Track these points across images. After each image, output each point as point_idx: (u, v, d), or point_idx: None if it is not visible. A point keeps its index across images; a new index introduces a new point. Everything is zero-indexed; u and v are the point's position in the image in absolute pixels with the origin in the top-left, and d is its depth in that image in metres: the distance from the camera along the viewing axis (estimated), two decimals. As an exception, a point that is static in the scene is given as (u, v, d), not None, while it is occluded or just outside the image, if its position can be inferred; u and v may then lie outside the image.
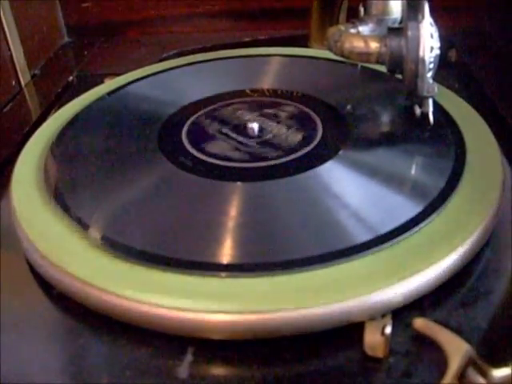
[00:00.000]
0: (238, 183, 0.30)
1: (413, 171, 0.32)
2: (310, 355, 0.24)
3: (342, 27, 0.36)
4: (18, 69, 0.49)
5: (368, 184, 0.31)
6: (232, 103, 0.39)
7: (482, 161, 0.32)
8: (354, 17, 0.38)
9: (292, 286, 0.24)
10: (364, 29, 0.36)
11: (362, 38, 0.34)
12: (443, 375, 0.21)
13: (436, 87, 0.32)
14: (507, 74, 0.44)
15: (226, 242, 0.27)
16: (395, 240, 0.26)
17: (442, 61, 0.33)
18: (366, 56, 0.34)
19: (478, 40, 0.51)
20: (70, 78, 0.51)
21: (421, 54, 0.31)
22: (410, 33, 0.31)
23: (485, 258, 0.28)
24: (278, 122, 0.36)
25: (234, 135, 0.35)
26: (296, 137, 0.34)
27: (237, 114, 0.37)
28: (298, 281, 0.25)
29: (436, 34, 0.32)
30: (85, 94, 0.42)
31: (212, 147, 0.34)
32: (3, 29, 0.48)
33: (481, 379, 0.21)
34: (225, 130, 0.35)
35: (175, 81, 0.43)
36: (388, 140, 0.35)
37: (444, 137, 0.34)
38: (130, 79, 0.43)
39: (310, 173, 0.31)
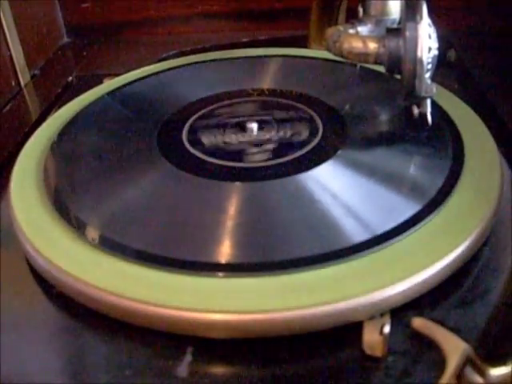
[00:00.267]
0: (237, 183, 0.31)
1: (411, 171, 0.32)
2: (308, 354, 0.24)
3: (341, 28, 0.36)
4: (17, 69, 0.50)
5: (367, 184, 0.31)
6: (231, 103, 0.39)
7: (481, 161, 0.32)
8: (352, 17, 0.38)
9: (291, 286, 0.25)
10: (363, 29, 0.36)
11: (361, 38, 0.34)
12: (441, 374, 0.22)
13: (434, 87, 0.32)
14: (506, 74, 0.44)
15: (225, 242, 0.27)
16: (394, 240, 0.26)
17: (441, 61, 0.33)
18: (364, 56, 0.34)
19: (477, 40, 0.51)
20: (70, 78, 0.51)
21: (419, 54, 0.31)
22: (408, 33, 0.31)
23: (483, 257, 0.28)
24: (277, 122, 0.36)
25: (233, 135, 0.35)
26: (295, 137, 0.34)
27: (236, 114, 0.37)
28: (297, 280, 0.25)
29: (434, 35, 0.32)
30: (84, 94, 0.42)
31: (211, 147, 0.34)
32: (3, 29, 0.48)
33: (479, 378, 0.21)
34: (224, 130, 0.35)
35: (174, 81, 0.43)
36: (387, 140, 0.35)
37: (442, 137, 0.34)
38: (130, 79, 0.43)
39: (309, 173, 0.31)
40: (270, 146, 0.34)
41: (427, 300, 0.25)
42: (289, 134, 0.35)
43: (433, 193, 0.29)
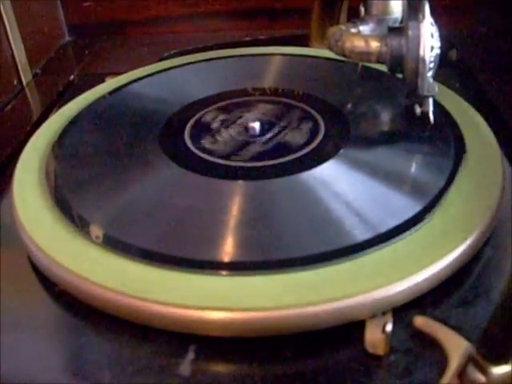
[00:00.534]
0: (240, 182, 0.31)
1: (413, 170, 0.32)
2: (311, 353, 0.24)
3: (343, 27, 0.36)
4: (19, 68, 0.50)
5: (369, 183, 0.31)
6: (233, 102, 0.39)
7: (482, 160, 0.32)
8: (354, 16, 0.38)
9: (293, 284, 0.25)
10: (365, 28, 0.36)
11: (363, 37, 0.34)
12: (443, 373, 0.22)
13: (436, 87, 0.32)
14: (507, 73, 0.44)
15: (228, 241, 0.27)
16: (396, 238, 0.26)
17: (443, 60, 0.33)
18: (366, 55, 0.34)
19: (479, 40, 0.51)
20: (71, 77, 0.51)
21: (421, 53, 0.31)
22: (410, 32, 0.31)
23: (485, 256, 0.28)
24: (279, 121, 0.36)
25: (235, 134, 0.35)
26: (297, 136, 0.34)
27: (238, 113, 0.37)
28: (299, 279, 0.25)
29: (436, 34, 0.32)
30: (86, 93, 0.42)
31: (213, 146, 0.34)
32: (5, 28, 0.48)
33: (481, 377, 0.21)
34: (226, 129, 0.35)
35: (176, 80, 0.43)
36: (388, 139, 0.35)
37: (444, 136, 0.34)
38: (131, 78, 0.43)
39: (311, 172, 0.31)
40: (272, 145, 0.34)
41: (429, 299, 0.25)
42: (291, 132, 0.35)
43: (435, 192, 0.29)
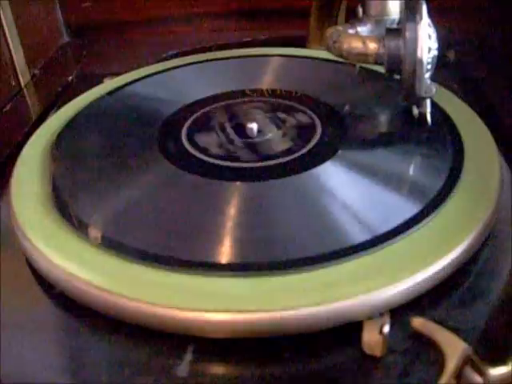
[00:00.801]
0: (238, 183, 0.31)
1: (411, 171, 0.32)
2: (308, 354, 0.24)
3: (341, 28, 0.36)
4: (17, 69, 0.50)
5: (366, 184, 0.31)
6: (231, 103, 0.39)
7: (480, 161, 0.32)
8: (352, 17, 0.38)
9: (291, 286, 0.25)
10: (362, 29, 0.36)
11: (361, 38, 0.34)
12: (441, 374, 0.22)
13: (434, 88, 0.32)
14: (505, 74, 0.44)
15: (226, 242, 0.27)
16: (393, 240, 0.26)
17: (441, 61, 0.33)
18: (364, 57, 0.34)
19: (477, 41, 0.51)
20: (70, 77, 0.51)
21: (419, 54, 0.31)
22: (408, 34, 0.31)
23: (483, 257, 0.28)
24: (277, 122, 0.36)
25: (233, 135, 0.35)
26: (295, 137, 0.34)
27: (236, 114, 0.37)
28: (297, 280, 0.25)
29: (434, 35, 0.32)
30: (84, 94, 0.42)
31: (211, 147, 0.34)
32: (3, 29, 0.48)
33: (478, 378, 0.21)
34: (224, 130, 0.35)
35: (175, 81, 0.43)
36: (386, 140, 0.35)
37: (442, 137, 0.34)
38: (130, 79, 0.43)
39: (309, 173, 0.31)
40: (270, 146, 0.34)
41: (427, 300, 0.25)
42: (288, 134, 0.35)
43: (432, 193, 0.29)
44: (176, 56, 0.50)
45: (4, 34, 0.48)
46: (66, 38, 0.60)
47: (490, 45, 0.50)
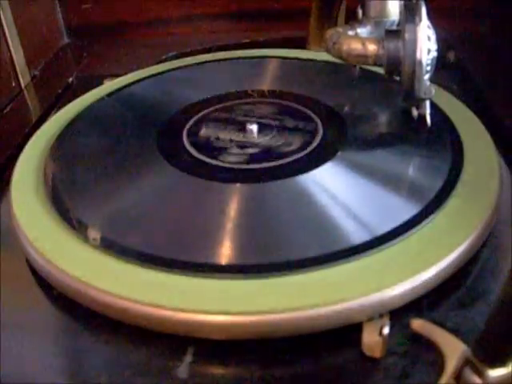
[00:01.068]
0: (238, 185, 0.31)
1: (410, 173, 0.32)
2: (308, 355, 0.24)
3: (340, 29, 0.36)
4: (17, 70, 0.50)
5: (366, 185, 0.31)
6: (231, 105, 0.39)
7: (480, 162, 0.32)
8: (352, 19, 0.38)
9: (291, 287, 0.25)
10: (362, 31, 0.36)
11: (360, 40, 0.34)
12: (440, 375, 0.22)
13: (433, 89, 0.33)
14: (505, 75, 0.44)
15: (225, 243, 0.27)
16: (393, 241, 0.26)
17: (441, 63, 0.33)
18: (363, 58, 0.34)
19: (477, 42, 0.51)
20: (70, 79, 0.51)
21: (418, 56, 0.31)
22: (407, 35, 0.31)
23: (482, 258, 0.28)
24: (278, 124, 0.36)
25: (233, 137, 0.35)
26: (295, 138, 0.34)
27: (236, 115, 0.37)
28: (297, 282, 0.25)
29: (433, 37, 0.32)
30: (84, 96, 0.42)
31: (211, 148, 0.34)
32: (3, 30, 0.48)
33: (477, 379, 0.21)
34: (224, 132, 0.35)
35: (175, 82, 0.43)
36: (386, 142, 0.35)
37: (442, 138, 0.34)
38: (130, 81, 0.43)
39: (309, 174, 0.31)
40: (270, 148, 0.34)
41: (426, 301, 0.26)
42: (289, 135, 0.35)
43: (432, 194, 0.29)
44: (176, 57, 0.50)
45: (4, 35, 0.48)
46: (66, 40, 0.60)
47: (490, 46, 0.50)
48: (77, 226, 0.28)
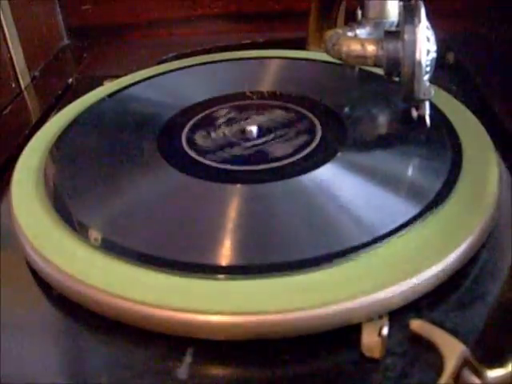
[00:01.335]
0: (238, 185, 0.31)
1: (410, 173, 0.32)
2: (307, 356, 0.24)
3: (340, 30, 0.36)
4: (17, 71, 0.50)
5: (365, 186, 0.31)
6: (231, 105, 0.39)
7: (479, 163, 0.32)
8: (351, 20, 0.38)
9: (290, 288, 0.25)
10: (361, 32, 0.36)
11: (360, 41, 0.34)
12: (439, 376, 0.22)
13: (432, 90, 0.33)
14: (505, 76, 0.44)
15: (226, 244, 0.27)
16: (392, 242, 0.26)
17: (440, 63, 0.34)
18: (363, 59, 0.34)
19: (476, 43, 0.51)
20: (70, 80, 0.51)
21: (417, 57, 0.31)
22: (406, 36, 0.31)
23: (481, 259, 0.28)
24: (277, 124, 0.36)
25: (233, 137, 0.35)
26: (294, 139, 0.34)
27: (236, 116, 0.37)
28: (296, 282, 0.25)
29: (432, 38, 0.32)
30: (84, 97, 0.42)
31: (211, 150, 0.34)
32: (3, 31, 0.48)
33: (476, 380, 0.21)
34: (224, 133, 0.36)
35: (175, 83, 0.43)
36: (385, 142, 0.35)
37: (441, 139, 0.34)
38: (130, 81, 0.43)
39: (309, 175, 0.31)
40: (270, 149, 0.34)
41: (425, 302, 0.26)
42: (288, 136, 0.35)
43: (431, 195, 0.29)
44: (176, 58, 0.50)
45: (4, 37, 0.49)
46: (66, 41, 0.61)
47: (490, 46, 0.50)
48: (77, 227, 0.29)
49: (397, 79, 0.34)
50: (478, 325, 0.25)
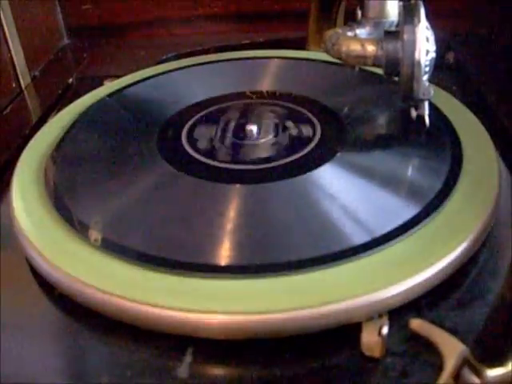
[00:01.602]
0: (237, 185, 0.31)
1: (409, 173, 0.33)
2: (307, 355, 0.24)
3: (339, 30, 0.36)
4: (18, 71, 0.50)
5: (365, 186, 0.31)
6: (231, 105, 0.39)
7: (479, 163, 0.32)
8: (351, 19, 0.38)
9: (290, 287, 0.25)
10: (361, 32, 0.36)
11: (359, 41, 0.34)
12: (439, 375, 0.22)
13: (432, 90, 0.33)
14: (504, 76, 0.44)
15: (225, 244, 0.27)
16: (392, 241, 0.26)
17: (440, 63, 0.34)
18: (362, 59, 0.34)
19: (476, 43, 0.51)
20: (70, 80, 0.51)
21: (416, 57, 0.31)
22: (405, 36, 0.31)
23: (481, 259, 0.28)
24: (277, 124, 0.36)
25: (232, 137, 0.35)
26: (294, 139, 0.34)
27: (235, 116, 0.38)
28: (296, 282, 0.25)
29: (432, 38, 0.32)
30: (84, 96, 0.42)
31: (211, 149, 0.34)
32: (3, 31, 0.48)
33: (476, 379, 0.21)
34: (223, 132, 0.36)
35: (174, 83, 0.43)
36: (385, 142, 0.35)
37: (441, 139, 0.34)
38: (130, 81, 0.43)
39: (308, 175, 0.31)
40: (269, 148, 0.34)
41: (425, 301, 0.26)
42: (288, 136, 0.35)
43: (431, 195, 0.29)
44: (175, 58, 0.50)
45: (4, 36, 0.49)
46: (66, 40, 0.61)
47: (489, 46, 0.50)
48: (77, 227, 0.29)
49: (396, 79, 0.34)
50: (478, 324, 0.25)
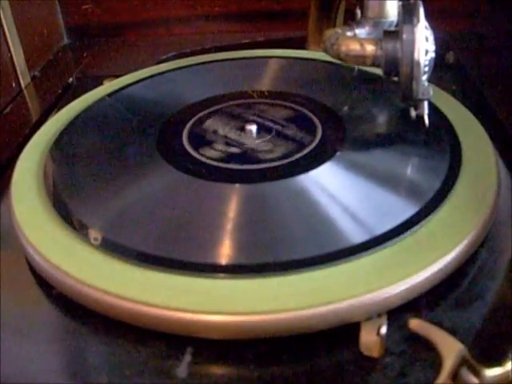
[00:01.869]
0: (237, 185, 0.31)
1: (409, 173, 0.33)
2: (306, 355, 0.24)
3: (339, 30, 0.36)
4: (17, 70, 0.50)
5: (365, 185, 0.31)
6: (230, 105, 0.39)
7: (478, 163, 0.32)
8: (350, 19, 0.38)
9: (289, 287, 0.25)
10: (360, 31, 0.37)
11: (358, 40, 0.34)
12: (437, 375, 0.22)
13: (431, 90, 0.33)
14: (504, 76, 0.44)
15: (224, 244, 0.27)
16: (391, 241, 0.27)
17: (440, 63, 0.33)
18: (361, 59, 0.34)
19: (476, 43, 0.51)
20: (70, 79, 0.51)
21: (416, 57, 0.31)
22: (405, 36, 0.31)
23: (480, 259, 0.28)
24: (277, 124, 0.36)
25: (232, 137, 0.35)
26: (294, 138, 0.34)
27: (235, 115, 0.38)
28: (295, 282, 0.25)
29: (431, 37, 0.32)
30: (84, 96, 0.42)
31: (210, 149, 0.34)
32: (3, 30, 0.48)
33: (474, 379, 0.21)
34: (223, 132, 0.36)
35: (174, 83, 0.43)
36: (385, 142, 0.35)
37: (440, 139, 0.34)
38: (130, 81, 0.43)
39: (308, 174, 0.31)
40: (269, 148, 0.34)
41: (424, 301, 0.26)
42: (288, 135, 0.35)
43: (430, 194, 0.29)
44: (175, 58, 0.50)
45: (4, 36, 0.49)
46: (66, 40, 0.61)
47: (489, 46, 0.50)
48: (77, 226, 0.29)
49: (396, 79, 0.34)
50: (477, 324, 0.25)
